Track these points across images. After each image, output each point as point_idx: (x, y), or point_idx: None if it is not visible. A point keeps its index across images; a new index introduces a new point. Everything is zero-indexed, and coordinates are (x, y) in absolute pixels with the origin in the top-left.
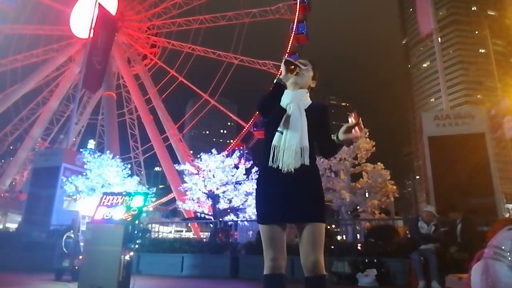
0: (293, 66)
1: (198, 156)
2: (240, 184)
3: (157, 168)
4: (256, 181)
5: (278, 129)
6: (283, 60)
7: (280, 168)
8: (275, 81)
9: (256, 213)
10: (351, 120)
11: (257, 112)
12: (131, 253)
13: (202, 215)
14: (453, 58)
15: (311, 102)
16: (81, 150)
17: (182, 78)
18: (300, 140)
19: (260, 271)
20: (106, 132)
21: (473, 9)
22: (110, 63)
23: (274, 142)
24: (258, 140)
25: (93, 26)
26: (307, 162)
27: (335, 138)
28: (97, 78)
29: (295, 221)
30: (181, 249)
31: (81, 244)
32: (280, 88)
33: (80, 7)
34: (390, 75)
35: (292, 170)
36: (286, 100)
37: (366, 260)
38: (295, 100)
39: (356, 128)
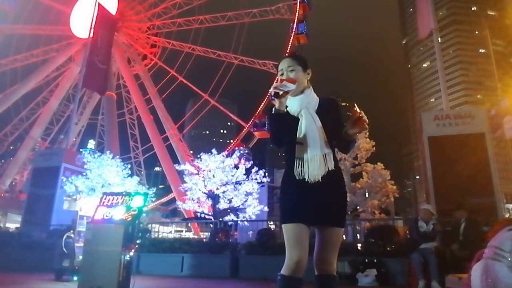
0: (281, 92)
1: (198, 156)
2: (240, 184)
3: (157, 168)
4: (281, 183)
5: (297, 140)
6: (271, 94)
7: (306, 180)
8: (273, 111)
9: (281, 213)
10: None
11: (269, 138)
12: (131, 253)
13: (202, 215)
14: (453, 58)
15: (318, 99)
16: (81, 150)
17: (182, 78)
18: (321, 147)
19: (260, 271)
20: (106, 132)
21: (473, 9)
22: (110, 63)
23: (297, 154)
24: (258, 140)
25: (93, 26)
26: (331, 166)
27: (343, 134)
28: (101, 77)
29: (320, 224)
30: (181, 249)
31: (76, 245)
32: (281, 116)
33: (80, 7)
34: (390, 75)
35: (320, 179)
36: (294, 107)
37: (366, 260)
38: (303, 106)
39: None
